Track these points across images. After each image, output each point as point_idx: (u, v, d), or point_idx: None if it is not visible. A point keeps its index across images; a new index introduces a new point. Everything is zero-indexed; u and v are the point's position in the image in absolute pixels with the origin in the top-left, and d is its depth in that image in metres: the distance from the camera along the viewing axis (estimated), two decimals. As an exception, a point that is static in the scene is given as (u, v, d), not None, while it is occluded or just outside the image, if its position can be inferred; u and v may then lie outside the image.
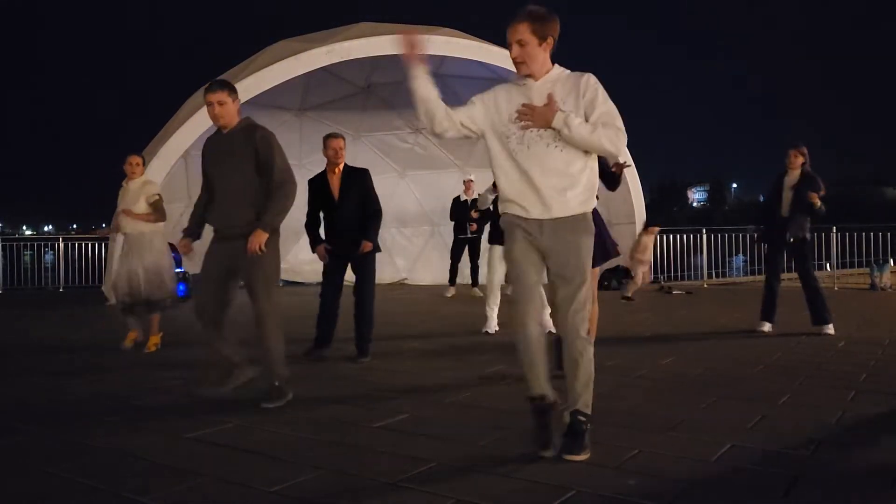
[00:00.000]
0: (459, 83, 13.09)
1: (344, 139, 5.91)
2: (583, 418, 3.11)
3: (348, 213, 5.70)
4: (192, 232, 4.46)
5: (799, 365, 5.22)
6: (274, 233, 4.20)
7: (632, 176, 13.72)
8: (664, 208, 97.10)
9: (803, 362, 5.33)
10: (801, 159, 6.80)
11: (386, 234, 14.91)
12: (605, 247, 4.92)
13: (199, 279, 4.45)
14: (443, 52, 11.97)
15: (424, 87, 3.14)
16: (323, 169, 5.86)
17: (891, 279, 12.62)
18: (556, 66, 3.17)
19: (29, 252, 15.20)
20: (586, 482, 2.75)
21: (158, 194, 6.38)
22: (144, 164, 6.58)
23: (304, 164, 13.28)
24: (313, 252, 5.85)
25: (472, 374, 4.97)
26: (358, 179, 5.81)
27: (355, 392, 4.49)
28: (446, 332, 7.31)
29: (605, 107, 3.06)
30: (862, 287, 12.70)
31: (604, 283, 13.12)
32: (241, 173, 4.17)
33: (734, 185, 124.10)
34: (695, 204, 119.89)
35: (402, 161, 14.73)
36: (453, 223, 11.80)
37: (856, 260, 14.03)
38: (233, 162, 4.18)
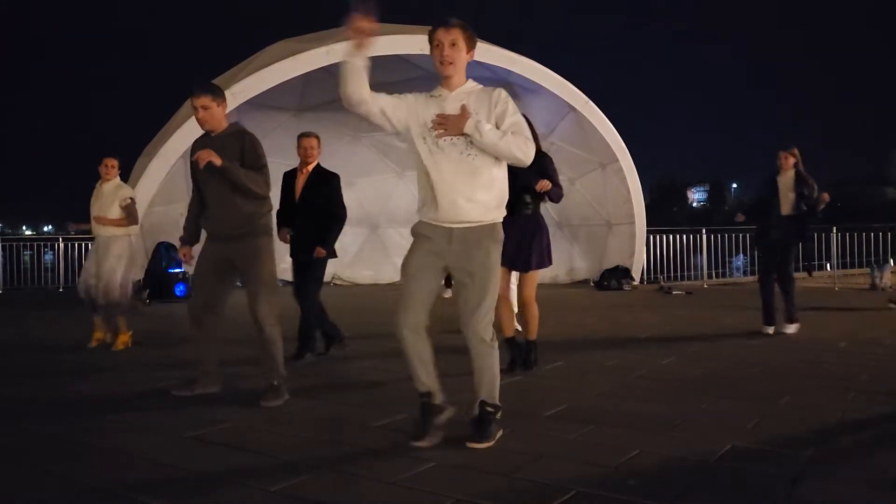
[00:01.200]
0: (459, 83, 13.14)
1: (318, 139, 5.78)
2: (490, 409, 3.30)
3: (306, 216, 5.59)
4: (190, 238, 4.50)
5: (799, 365, 5.22)
6: (268, 235, 4.26)
7: (632, 176, 13.74)
8: (664, 208, 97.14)
9: (803, 362, 5.33)
10: (792, 160, 6.85)
11: (385, 234, 14.97)
12: (541, 253, 5.02)
13: (193, 280, 4.47)
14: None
15: (360, 68, 3.22)
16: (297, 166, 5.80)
17: (891, 279, 12.62)
18: (470, 80, 3.32)
19: (29, 252, 15.20)
20: (586, 482, 2.75)
21: (132, 198, 6.44)
22: (120, 168, 6.55)
23: (304, 164, 13.32)
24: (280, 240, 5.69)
25: (470, 375, 4.96)
26: (324, 183, 5.66)
27: (355, 392, 4.49)
28: (445, 333, 7.30)
29: (515, 118, 3.22)
30: (862, 287, 12.69)
31: (603, 284, 13.16)
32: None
33: (734, 185, 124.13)
34: (695, 204, 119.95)
35: (401, 161, 14.72)
36: None
37: (856, 260, 14.04)
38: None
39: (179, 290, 11.32)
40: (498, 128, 3.17)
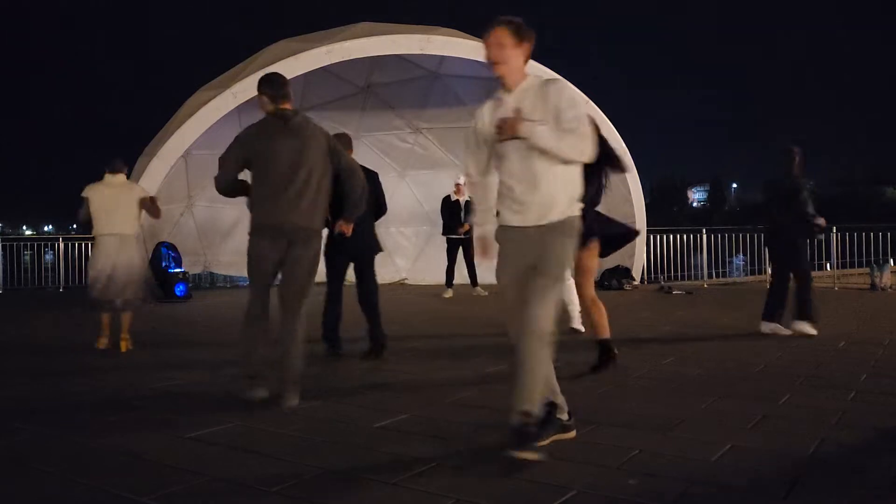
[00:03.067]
0: (459, 83, 13.14)
1: (350, 139, 5.94)
2: (526, 418, 2.99)
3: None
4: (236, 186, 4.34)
5: (799, 365, 5.22)
6: (318, 235, 4.25)
7: (632, 176, 13.73)
8: (664, 208, 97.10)
9: (803, 362, 5.32)
10: (796, 159, 6.82)
11: (386, 234, 14.94)
12: (617, 229, 5.24)
13: (254, 277, 4.28)
14: (443, 52, 11.99)
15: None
16: None
17: (891, 279, 12.61)
18: (530, 75, 3.24)
19: (29, 252, 15.19)
20: (586, 482, 2.76)
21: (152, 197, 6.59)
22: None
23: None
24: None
25: (472, 374, 4.98)
26: (367, 181, 5.75)
27: (355, 392, 4.48)
28: (446, 333, 7.31)
29: (572, 112, 3.12)
30: (862, 287, 12.69)
31: (604, 283, 13.13)
32: (310, 170, 4.17)
33: (734, 185, 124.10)
34: (695, 204, 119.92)
35: (402, 161, 14.73)
36: (442, 223, 11.80)
37: (856, 260, 14.03)
38: (304, 155, 4.15)
39: (179, 290, 11.32)
40: (557, 122, 3.08)
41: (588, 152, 3.15)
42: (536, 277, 3.11)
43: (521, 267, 3.18)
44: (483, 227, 3.41)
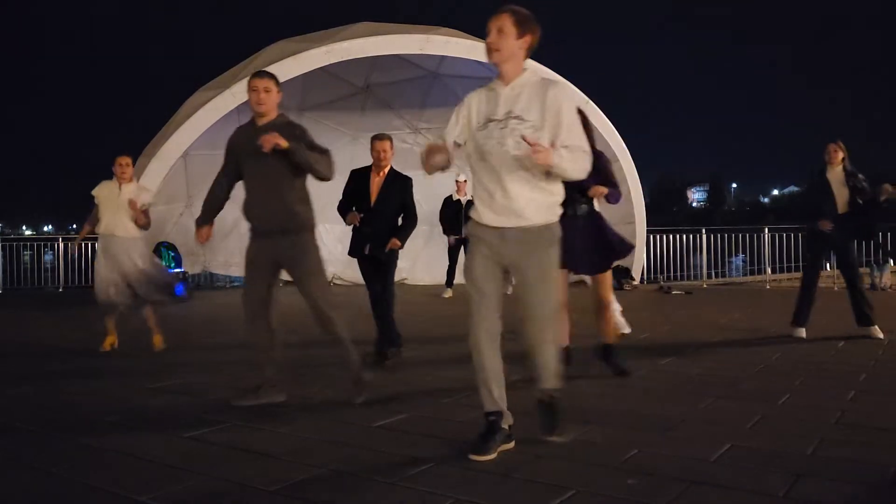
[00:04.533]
0: (459, 83, 13.10)
1: (391, 141, 5.78)
2: (553, 394, 3.31)
3: (382, 219, 5.59)
4: (208, 218, 4.36)
5: (798, 365, 5.22)
6: (312, 230, 4.21)
7: (632, 176, 13.73)
8: (664, 208, 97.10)
9: (803, 362, 5.33)
10: (840, 154, 6.50)
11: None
12: (611, 246, 4.91)
13: (248, 273, 4.28)
14: (443, 52, 11.97)
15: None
16: (368, 165, 5.76)
17: (891, 279, 12.61)
18: (529, 69, 3.16)
19: (29, 252, 15.19)
20: (586, 482, 2.76)
21: (151, 204, 6.50)
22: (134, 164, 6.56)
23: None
24: (347, 224, 5.67)
25: (472, 374, 4.96)
26: (400, 187, 5.67)
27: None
28: (446, 333, 7.30)
29: (573, 131, 3.07)
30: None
31: (604, 283, 13.11)
32: (281, 169, 4.06)
33: (734, 186, 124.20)
34: (694, 204, 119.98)
35: (401, 161, 14.59)
36: (443, 224, 11.77)
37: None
38: (273, 157, 4.02)
39: (179, 290, 11.31)
40: (553, 130, 3.04)
41: (586, 169, 3.13)
42: (533, 291, 3.14)
43: (494, 268, 3.18)
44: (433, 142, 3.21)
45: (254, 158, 4.08)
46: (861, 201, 6.42)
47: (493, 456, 3.06)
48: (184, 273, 11.66)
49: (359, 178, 5.77)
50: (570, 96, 3.17)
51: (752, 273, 15.94)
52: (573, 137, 3.06)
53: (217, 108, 11.11)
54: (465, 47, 11.69)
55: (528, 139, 2.93)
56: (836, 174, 6.52)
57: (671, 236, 14.98)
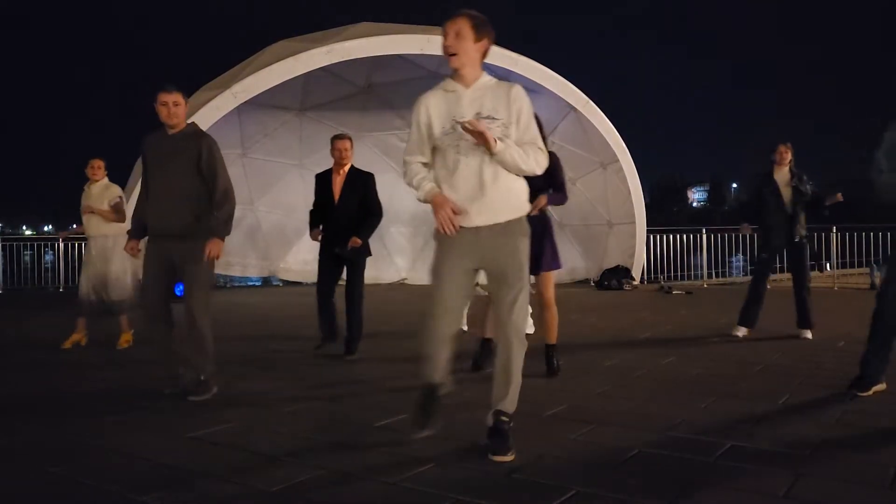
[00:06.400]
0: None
1: (351, 140, 5.94)
2: (506, 418, 3.16)
3: (346, 215, 5.72)
4: (139, 232, 4.54)
5: (798, 365, 5.22)
6: (207, 238, 4.30)
7: (632, 176, 13.74)
8: (664, 208, 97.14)
9: (803, 362, 5.33)
10: (789, 155, 6.67)
11: (386, 234, 14.94)
12: (552, 254, 4.95)
13: (143, 282, 4.49)
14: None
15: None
16: (331, 167, 5.90)
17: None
18: (485, 73, 3.22)
19: (29, 252, 15.19)
20: (586, 482, 2.76)
21: (120, 196, 6.58)
22: (107, 168, 6.66)
23: (305, 163, 13.27)
24: (312, 239, 5.95)
25: (472, 375, 4.98)
26: (360, 183, 5.81)
27: (355, 392, 4.49)
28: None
29: (531, 128, 3.16)
30: (862, 287, 12.68)
31: (604, 283, 13.15)
32: (184, 176, 4.26)
33: (734, 185, 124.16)
34: (695, 204, 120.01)
35: (401, 161, 14.74)
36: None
37: (856, 260, 14.02)
38: (177, 163, 4.27)
39: (179, 289, 11.31)
40: (514, 129, 3.11)
41: (544, 164, 3.20)
42: (509, 287, 3.14)
43: (462, 266, 3.20)
44: (428, 190, 3.25)
45: (160, 166, 4.31)
46: (806, 203, 6.60)
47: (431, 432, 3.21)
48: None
49: (322, 181, 5.93)
50: (526, 96, 3.22)
51: (750, 273, 15.93)
52: (529, 134, 3.15)
53: (217, 108, 11.11)
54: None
55: (471, 122, 2.99)
56: (782, 174, 6.69)
57: (671, 236, 14.99)
